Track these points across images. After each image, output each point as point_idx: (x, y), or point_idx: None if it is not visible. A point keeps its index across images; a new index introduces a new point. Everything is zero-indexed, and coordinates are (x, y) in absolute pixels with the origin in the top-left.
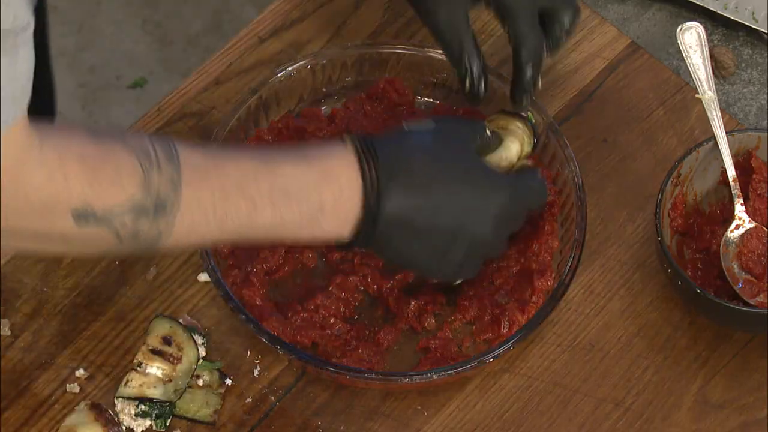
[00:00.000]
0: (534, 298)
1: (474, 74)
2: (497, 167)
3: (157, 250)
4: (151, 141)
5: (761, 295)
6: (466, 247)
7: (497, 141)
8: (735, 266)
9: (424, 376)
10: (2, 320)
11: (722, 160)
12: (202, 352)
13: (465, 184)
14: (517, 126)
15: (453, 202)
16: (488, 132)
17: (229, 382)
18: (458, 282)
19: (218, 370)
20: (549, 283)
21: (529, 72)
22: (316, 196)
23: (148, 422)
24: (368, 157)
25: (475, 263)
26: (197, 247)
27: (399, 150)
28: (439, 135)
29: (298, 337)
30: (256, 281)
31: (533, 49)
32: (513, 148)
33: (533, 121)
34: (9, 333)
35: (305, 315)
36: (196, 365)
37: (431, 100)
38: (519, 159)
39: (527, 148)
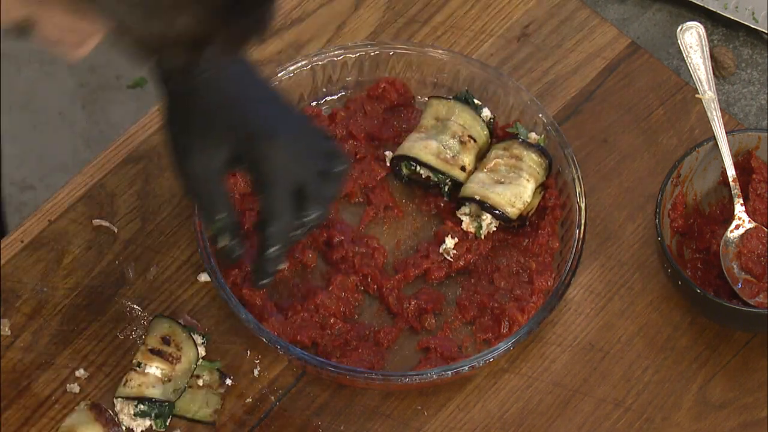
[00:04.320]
0: (534, 298)
1: (230, 226)
2: (511, 206)
3: None
4: None
5: (761, 295)
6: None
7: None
8: (735, 266)
9: (424, 376)
10: (2, 320)
11: (722, 160)
12: (202, 351)
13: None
14: (532, 159)
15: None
16: None
17: (229, 382)
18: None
19: (218, 370)
20: (549, 283)
21: (272, 250)
22: None
23: (147, 422)
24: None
25: None
26: None
27: None
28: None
29: (298, 337)
30: None
31: (282, 226)
32: (529, 187)
33: (543, 144)
34: (9, 333)
35: (305, 315)
36: (196, 365)
37: None
38: (534, 195)
39: (541, 180)
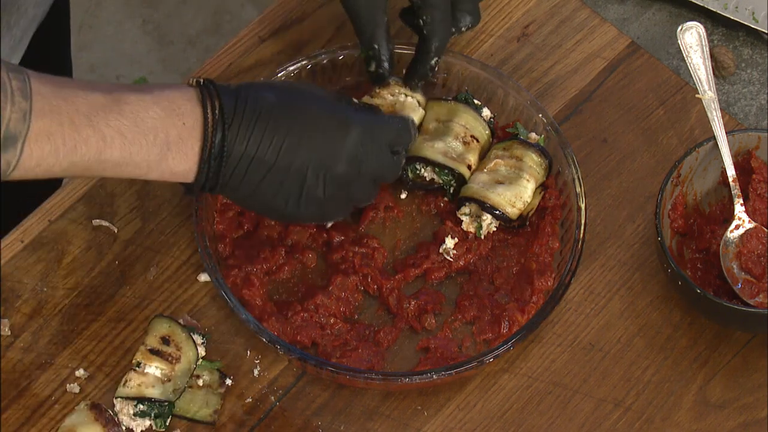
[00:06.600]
0: (534, 298)
1: (381, 56)
2: (511, 206)
3: (3, 180)
4: (7, 72)
5: (761, 296)
6: (323, 185)
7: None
8: (735, 266)
9: (424, 376)
10: (2, 320)
11: (722, 160)
12: (202, 351)
13: (317, 122)
14: (532, 159)
15: (304, 139)
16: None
17: (229, 382)
18: (329, 224)
19: (218, 370)
20: (549, 283)
21: (433, 61)
22: (162, 131)
23: (147, 422)
24: (212, 95)
25: (340, 203)
26: (45, 177)
27: (246, 91)
28: (289, 85)
29: (298, 337)
30: (256, 281)
31: (442, 41)
32: (529, 187)
33: (543, 144)
34: (9, 333)
35: (305, 315)
36: (196, 365)
37: None
38: (534, 195)
39: (541, 180)
